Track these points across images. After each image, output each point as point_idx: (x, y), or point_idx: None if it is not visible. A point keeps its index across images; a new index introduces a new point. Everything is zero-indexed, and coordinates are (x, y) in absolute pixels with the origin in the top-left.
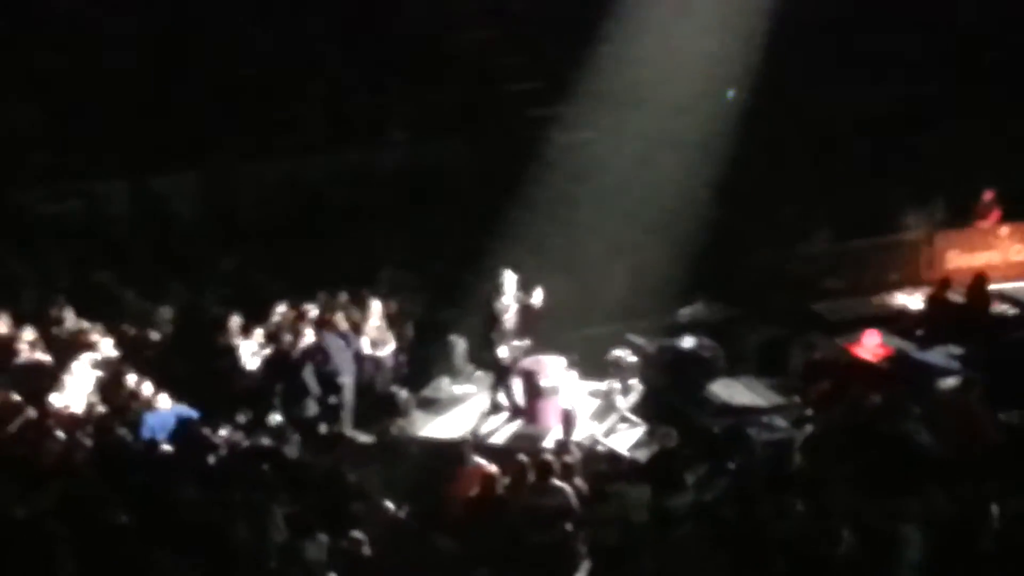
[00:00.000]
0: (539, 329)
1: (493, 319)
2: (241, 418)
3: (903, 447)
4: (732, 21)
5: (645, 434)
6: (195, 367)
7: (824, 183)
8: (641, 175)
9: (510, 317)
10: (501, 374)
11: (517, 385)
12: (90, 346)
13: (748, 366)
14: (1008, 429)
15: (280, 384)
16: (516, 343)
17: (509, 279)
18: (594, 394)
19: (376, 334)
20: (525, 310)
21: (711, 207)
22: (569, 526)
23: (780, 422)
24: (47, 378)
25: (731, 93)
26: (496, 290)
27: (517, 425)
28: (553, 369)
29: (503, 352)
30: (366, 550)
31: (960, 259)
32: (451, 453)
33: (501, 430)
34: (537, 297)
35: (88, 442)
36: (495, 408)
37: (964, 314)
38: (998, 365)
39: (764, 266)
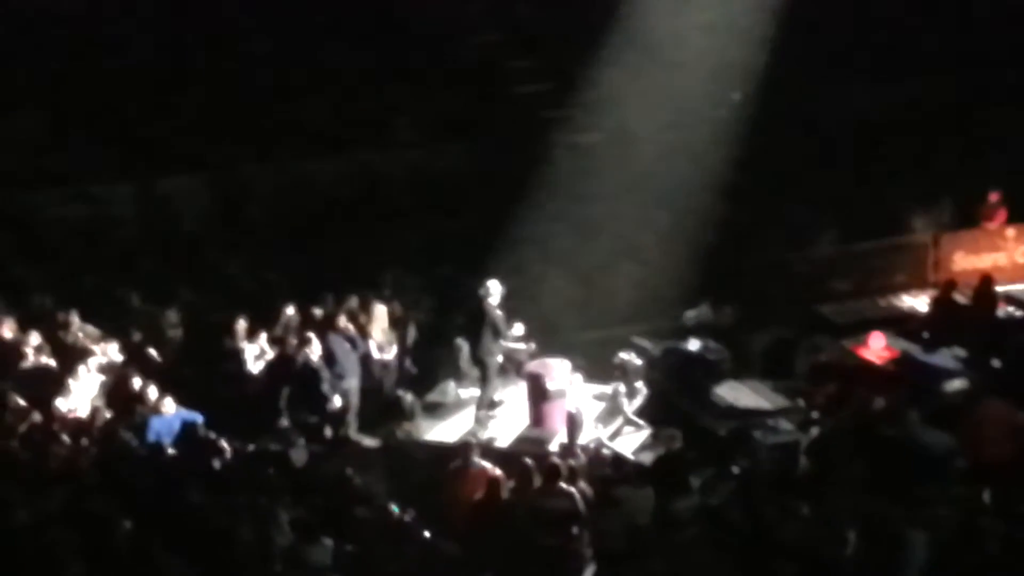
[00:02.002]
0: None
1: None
2: (246, 422)
3: (909, 450)
4: (739, 23)
5: (650, 437)
6: (201, 371)
7: (830, 185)
8: (648, 178)
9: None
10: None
11: (522, 388)
12: (95, 351)
13: (754, 369)
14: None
15: (286, 388)
16: (516, 346)
17: (495, 288)
18: (599, 397)
19: (381, 338)
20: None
21: (717, 209)
22: (575, 529)
23: (786, 425)
24: (53, 383)
25: (738, 95)
26: (481, 302)
27: (522, 428)
28: (559, 372)
29: (494, 366)
30: (370, 554)
31: (966, 261)
32: (456, 456)
33: (506, 433)
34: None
35: (93, 447)
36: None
37: (970, 316)
38: (1007, 368)
39: (770, 268)
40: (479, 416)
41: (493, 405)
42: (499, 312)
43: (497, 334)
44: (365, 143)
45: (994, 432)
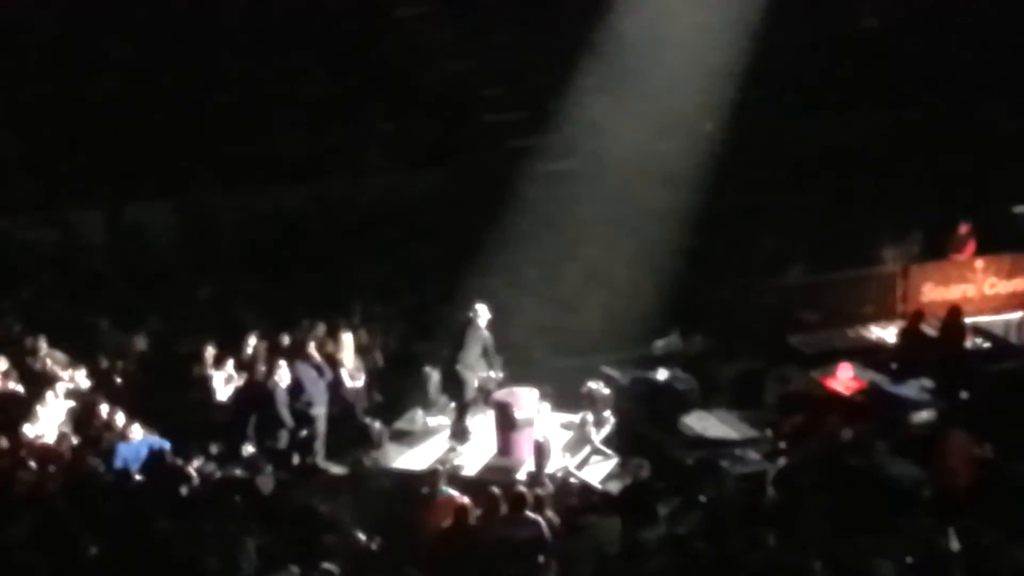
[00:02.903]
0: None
1: (467, 350)
2: (214, 449)
3: (876, 481)
4: (710, 53)
5: (618, 466)
6: (169, 398)
7: (800, 215)
8: (618, 207)
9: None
10: (468, 404)
11: (490, 416)
12: (63, 376)
13: (722, 398)
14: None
15: (253, 415)
16: (488, 374)
17: (483, 312)
18: (567, 426)
19: (349, 365)
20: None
21: (687, 239)
22: (541, 558)
23: (753, 455)
24: (20, 408)
25: (709, 125)
26: (470, 323)
27: (490, 457)
28: (527, 401)
29: (473, 382)
30: None
31: (935, 292)
32: (423, 484)
33: (473, 462)
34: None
35: (61, 473)
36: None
37: (938, 347)
38: (974, 399)
39: (739, 298)
40: (454, 436)
41: (465, 435)
42: (488, 334)
43: (486, 355)
44: (336, 170)
45: (957, 463)
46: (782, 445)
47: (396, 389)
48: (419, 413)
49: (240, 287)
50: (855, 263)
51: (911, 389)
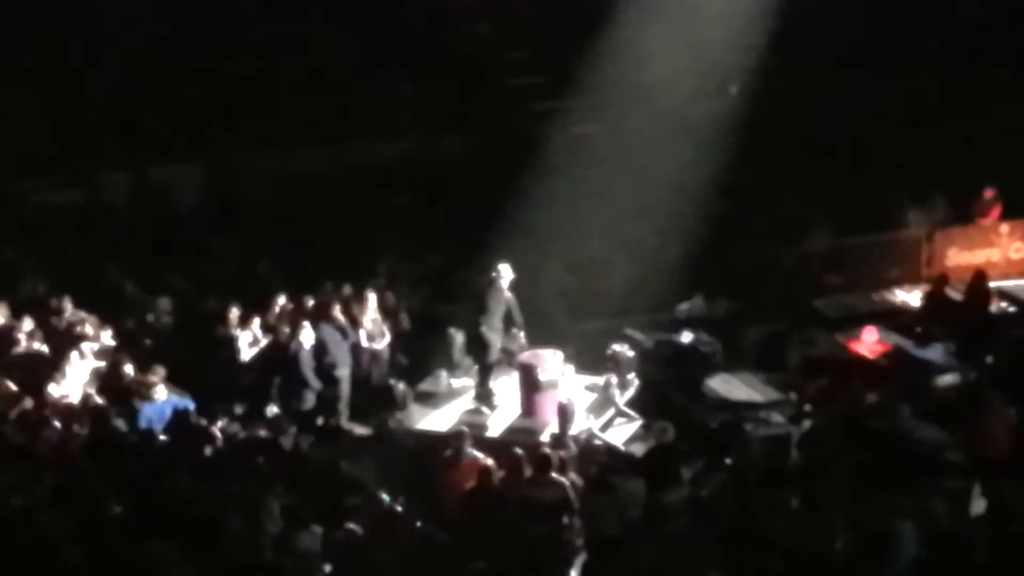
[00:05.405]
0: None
1: (489, 312)
2: (238, 409)
3: (900, 444)
4: (735, 16)
5: (642, 429)
6: (193, 358)
7: (825, 179)
8: (642, 170)
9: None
10: (491, 366)
11: (514, 378)
12: (88, 337)
13: (746, 362)
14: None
15: (277, 376)
16: (512, 336)
17: (506, 272)
18: (591, 388)
19: (373, 327)
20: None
21: (712, 202)
22: (565, 519)
23: (777, 418)
24: (45, 368)
25: (734, 88)
26: (492, 283)
27: (514, 418)
28: (551, 363)
29: (496, 344)
30: (361, 542)
31: (960, 256)
32: (448, 446)
33: (498, 423)
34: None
35: (84, 432)
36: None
37: (963, 311)
38: (999, 363)
39: (764, 261)
40: (478, 399)
41: (490, 397)
42: (511, 295)
43: (510, 317)
44: (360, 133)
45: (997, 432)
46: (806, 408)
47: (420, 351)
48: (443, 375)
49: (265, 249)
50: (880, 227)
51: (935, 353)
